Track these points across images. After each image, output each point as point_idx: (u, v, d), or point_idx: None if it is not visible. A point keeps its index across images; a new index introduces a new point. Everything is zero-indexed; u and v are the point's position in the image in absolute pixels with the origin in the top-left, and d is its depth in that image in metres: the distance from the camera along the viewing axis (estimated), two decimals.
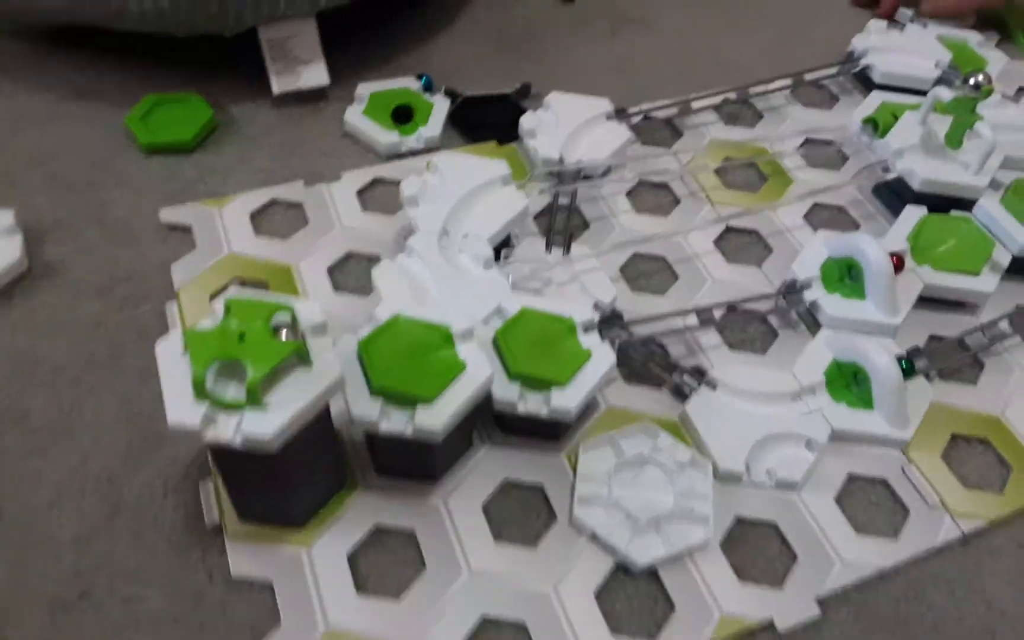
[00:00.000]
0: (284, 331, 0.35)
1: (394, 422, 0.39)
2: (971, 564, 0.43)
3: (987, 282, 0.53)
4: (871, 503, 0.45)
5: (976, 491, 0.46)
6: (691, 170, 0.61)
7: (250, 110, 0.63)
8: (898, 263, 0.51)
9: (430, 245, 0.48)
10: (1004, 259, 0.54)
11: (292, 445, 0.35)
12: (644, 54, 0.72)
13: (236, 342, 0.34)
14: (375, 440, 0.42)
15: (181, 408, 0.34)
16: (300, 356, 0.35)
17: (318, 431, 0.38)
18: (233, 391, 0.34)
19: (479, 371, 0.40)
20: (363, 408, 0.39)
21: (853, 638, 0.40)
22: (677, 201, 0.60)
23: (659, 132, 0.65)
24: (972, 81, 0.53)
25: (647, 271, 0.55)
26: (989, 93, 0.53)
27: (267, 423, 0.34)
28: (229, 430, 0.34)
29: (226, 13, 0.58)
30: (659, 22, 0.76)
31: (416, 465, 0.43)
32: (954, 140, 0.56)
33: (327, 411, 0.38)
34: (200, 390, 0.34)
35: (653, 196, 0.60)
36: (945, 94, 0.56)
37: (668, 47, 0.73)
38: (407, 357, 0.40)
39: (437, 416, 0.38)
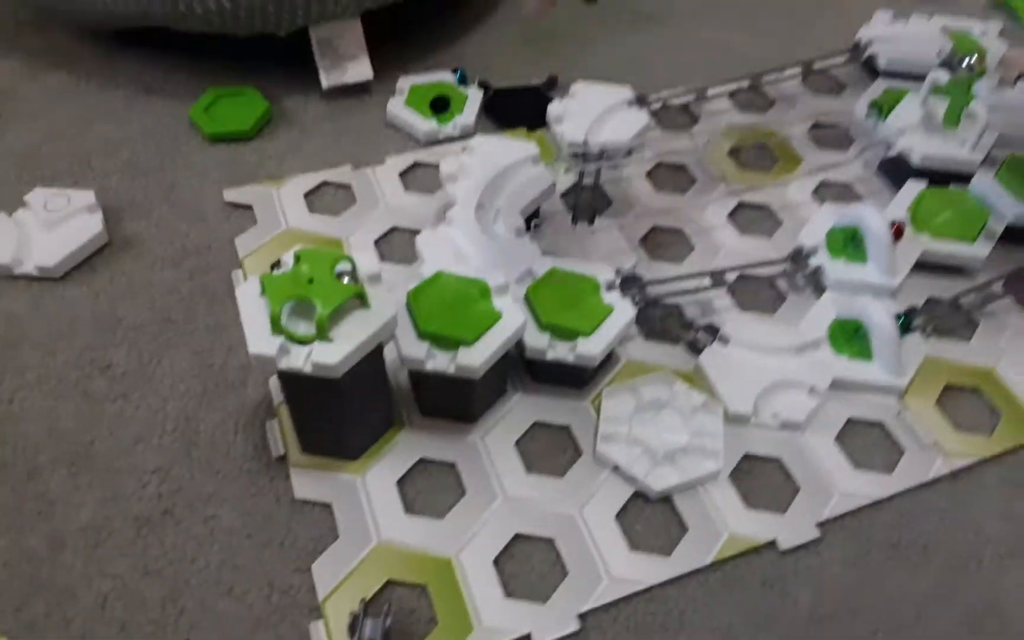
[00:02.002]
0: (346, 277, 0.41)
1: (438, 361, 0.44)
2: (961, 497, 0.47)
3: (981, 248, 0.57)
4: (869, 443, 0.49)
5: (967, 434, 0.50)
6: (707, 152, 0.66)
7: (302, 102, 0.69)
8: (898, 231, 0.56)
9: (468, 216, 0.54)
10: (998, 227, 0.58)
11: (353, 376, 0.40)
12: (661, 48, 0.78)
13: (306, 284, 0.40)
14: (420, 382, 0.48)
15: (260, 340, 0.39)
16: (360, 298, 0.41)
17: (374, 368, 0.43)
18: (303, 328, 0.40)
19: (513, 319, 0.45)
20: (412, 349, 0.44)
21: (849, 557, 0.45)
22: (694, 181, 0.65)
23: (677, 118, 0.70)
24: (965, 63, 0.57)
25: (665, 242, 0.60)
26: (982, 73, 0.58)
27: (333, 352, 0.39)
28: (300, 359, 0.39)
29: (281, 15, 0.65)
30: (674, 18, 0.81)
31: (457, 405, 0.48)
32: (951, 119, 0.61)
33: (381, 351, 0.44)
34: (276, 325, 0.39)
35: (671, 177, 0.65)
36: (943, 77, 0.60)
37: (683, 41, 0.78)
38: (450, 306, 0.45)
39: (476, 356, 0.44)
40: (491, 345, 0.44)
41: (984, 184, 0.59)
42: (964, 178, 0.60)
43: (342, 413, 0.43)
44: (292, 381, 0.42)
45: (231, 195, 0.61)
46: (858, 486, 0.47)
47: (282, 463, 0.47)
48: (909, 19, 0.76)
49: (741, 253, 0.59)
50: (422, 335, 0.44)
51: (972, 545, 0.46)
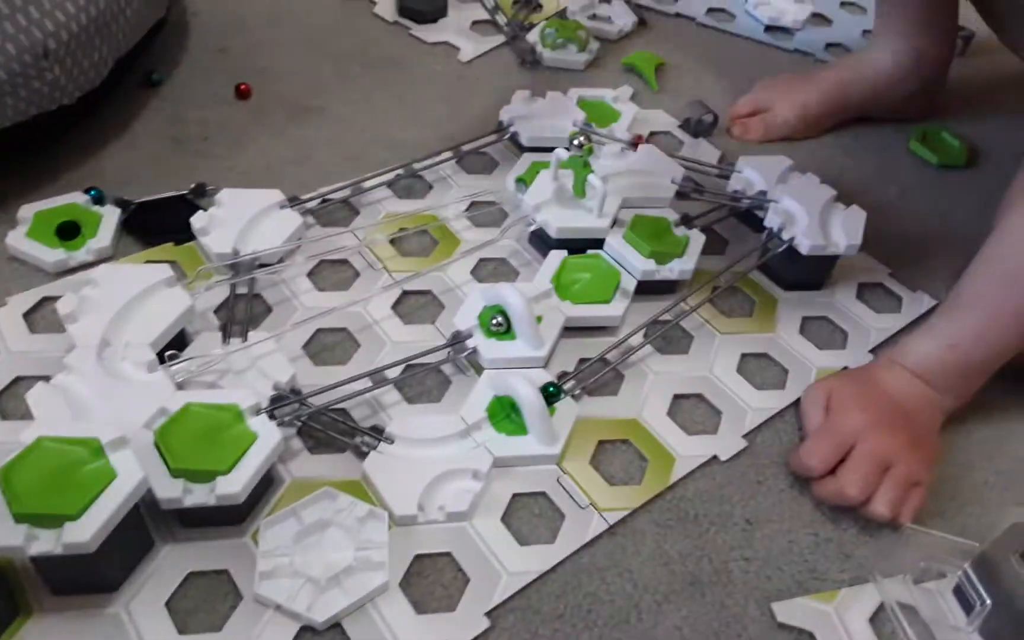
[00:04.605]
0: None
1: (43, 542, 0.39)
2: (618, 550, 0.50)
3: (617, 307, 0.62)
4: (534, 515, 0.51)
5: (620, 486, 0.53)
6: (368, 244, 0.66)
7: None
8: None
9: (87, 359, 0.49)
10: (630, 285, 0.63)
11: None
12: (321, 141, 0.77)
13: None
14: (40, 564, 0.42)
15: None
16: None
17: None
18: None
19: (130, 477, 0.41)
20: (5, 534, 0.38)
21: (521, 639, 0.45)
22: (357, 274, 0.64)
23: (338, 213, 0.69)
24: (576, 142, 0.63)
25: (330, 344, 0.59)
26: (590, 151, 0.64)
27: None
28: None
29: None
30: (333, 110, 0.81)
31: (88, 579, 0.42)
32: (579, 190, 0.66)
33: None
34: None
35: (333, 272, 0.64)
36: (563, 154, 0.65)
37: (344, 133, 0.78)
38: (49, 478, 0.40)
39: (86, 529, 0.39)
40: (103, 513, 0.40)
41: (615, 246, 0.65)
42: (599, 244, 0.66)
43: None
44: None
45: None
46: (524, 563, 0.48)
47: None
48: (546, 95, 0.82)
49: (406, 344, 0.59)
50: (18, 518, 0.39)
51: (631, 596, 0.48)
